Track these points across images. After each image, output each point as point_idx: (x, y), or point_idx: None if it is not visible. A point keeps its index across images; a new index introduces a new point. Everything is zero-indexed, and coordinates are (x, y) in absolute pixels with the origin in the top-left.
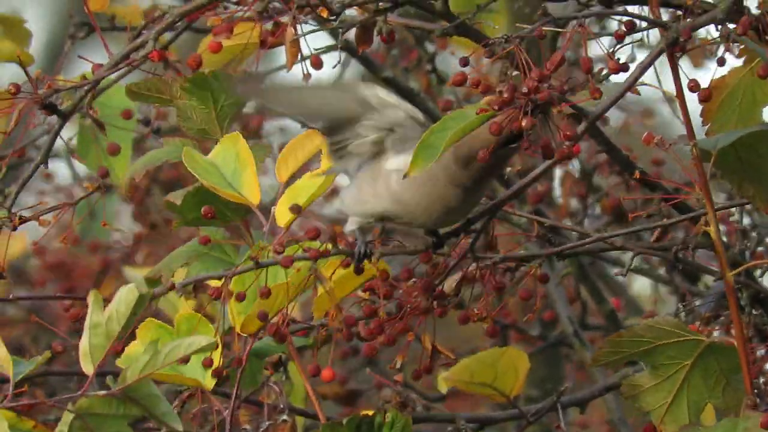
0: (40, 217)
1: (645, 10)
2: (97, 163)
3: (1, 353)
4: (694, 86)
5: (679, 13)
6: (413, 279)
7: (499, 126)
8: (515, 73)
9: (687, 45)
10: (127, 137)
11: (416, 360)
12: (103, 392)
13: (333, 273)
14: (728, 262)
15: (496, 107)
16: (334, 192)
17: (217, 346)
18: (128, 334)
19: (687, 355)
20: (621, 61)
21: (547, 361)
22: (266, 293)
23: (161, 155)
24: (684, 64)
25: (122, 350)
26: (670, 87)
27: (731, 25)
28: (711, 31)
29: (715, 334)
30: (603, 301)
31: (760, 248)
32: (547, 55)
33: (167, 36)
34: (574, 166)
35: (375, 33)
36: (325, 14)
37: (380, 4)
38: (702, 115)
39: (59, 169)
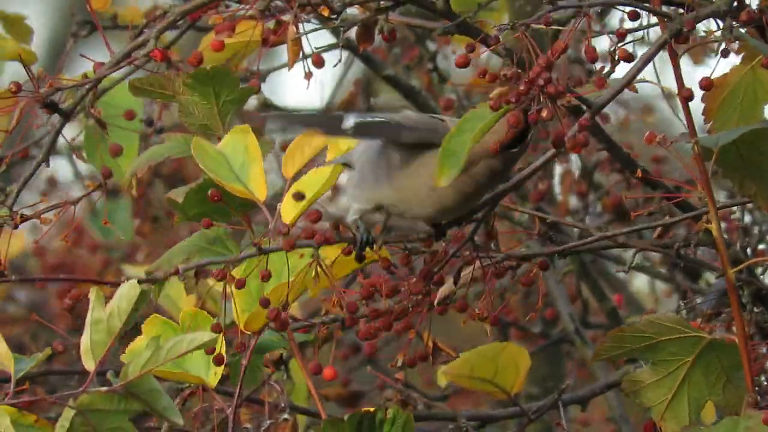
0: (42, 216)
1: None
2: (102, 162)
3: (2, 350)
4: (708, 84)
5: (681, 11)
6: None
7: (516, 118)
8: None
9: (690, 36)
10: (131, 137)
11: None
12: (104, 388)
13: (335, 260)
14: (730, 260)
15: (512, 99)
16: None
17: (221, 330)
18: (129, 331)
19: (688, 352)
20: (619, 63)
21: (548, 358)
22: (267, 276)
23: (163, 151)
24: (684, 61)
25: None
26: (670, 85)
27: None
28: (711, 28)
29: (717, 331)
30: (604, 299)
31: (761, 245)
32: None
33: (169, 35)
34: (575, 163)
35: (376, 31)
36: (326, 13)
37: (381, 2)
38: (704, 113)
39: (61, 167)
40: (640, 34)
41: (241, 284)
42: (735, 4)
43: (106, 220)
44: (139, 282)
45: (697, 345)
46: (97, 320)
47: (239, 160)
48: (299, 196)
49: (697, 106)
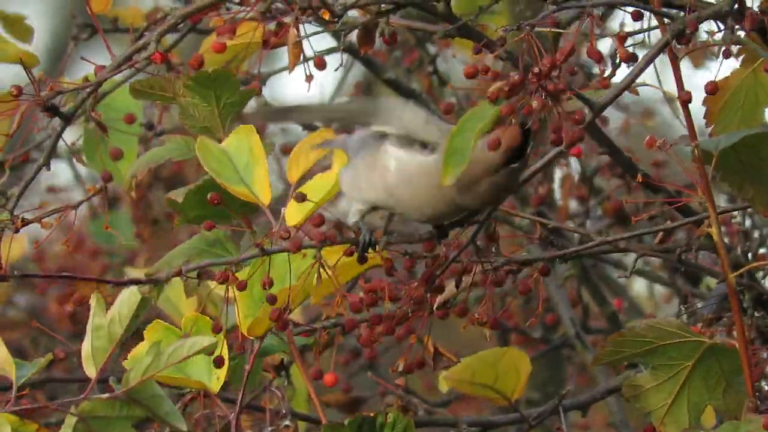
0: (43, 220)
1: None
2: (102, 164)
3: (3, 356)
4: (713, 88)
5: (682, 14)
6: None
7: (497, 141)
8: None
9: (692, 37)
10: (131, 141)
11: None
12: (106, 395)
13: (337, 261)
14: (731, 264)
15: (506, 89)
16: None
17: (220, 330)
18: (131, 336)
19: (688, 356)
20: (620, 66)
21: (548, 363)
22: (269, 284)
23: (164, 153)
24: (684, 65)
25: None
26: (670, 89)
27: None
28: (712, 30)
29: (718, 335)
30: (605, 304)
31: (762, 250)
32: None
33: (170, 38)
34: (574, 168)
35: (377, 34)
36: (327, 16)
37: (382, 6)
38: (705, 116)
39: (61, 170)
40: (640, 37)
41: (242, 286)
42: (736, 6)
43: (107, 225)
44: (141, 283)
45: (697, 349)
46: (98, 326)
47: (243, 160)
48: (301, 197)
49: (698, 109)
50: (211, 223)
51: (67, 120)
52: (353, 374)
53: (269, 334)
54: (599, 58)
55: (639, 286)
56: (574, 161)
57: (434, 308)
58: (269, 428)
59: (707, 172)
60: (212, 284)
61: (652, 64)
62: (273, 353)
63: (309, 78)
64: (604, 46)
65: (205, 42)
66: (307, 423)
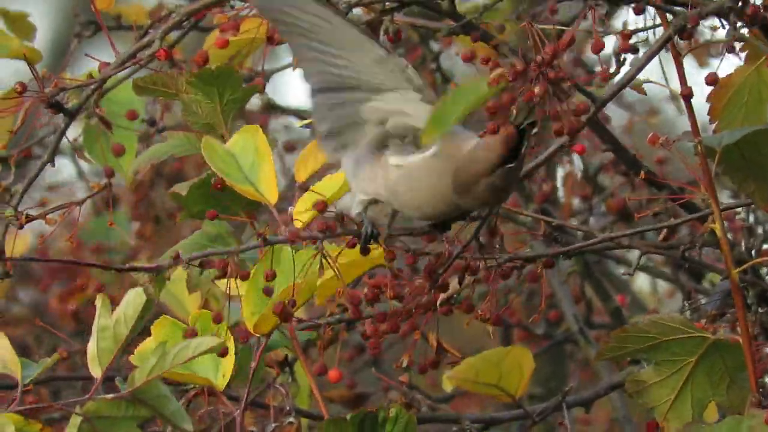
0: (47, 216)
1: (650, 10)
2: (103, 157)
3: (8, 356)
4: (713, 80)
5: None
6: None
7: (512, 96)
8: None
9: (694, 32)
10: (130, 137)
11: (423, 360)
12: (111, 395)
13: (338, 254)
14: (735, 260)
15: (510, 78)
16: None
17: (221, 321)
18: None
19: (692, 352)
20: (625, 64)
21: (551, 359)
22: (271, 276)
23: (166, 149)
24: (689, 63)
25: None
26: (675, 86)
27: (738, 23)
28: (716, 31)
29: (721, 331)
30: (608, 299)
31: (766, 246)
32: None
33: (173, 35)
34: (577, 165)
35: (381, 32)
36: None
37: (386, 4)
38: (709, 113)
39: (64, 167)
40: (644, 35)
41: (245, 276)
42: (739, 3)
43: (111, 221)
44: (144, 270)
45: (700, 345)
46: (104, 327)
47: (249, 160)
48: (303, 187)
49: (703, 106)
50: (215, 212)
51: (72, 117)
52: (357, 370)
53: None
54: (601, 49)
55: (642, 281)
56: (576, 159)
57: (438, 305)
58: (273, 425)
59: (710, 168)
60: (213, 273)
61: (657, 63)
62: (275, 348)
63: None
64: (608, 45)
65: (209, 38)
66: (310, 419)
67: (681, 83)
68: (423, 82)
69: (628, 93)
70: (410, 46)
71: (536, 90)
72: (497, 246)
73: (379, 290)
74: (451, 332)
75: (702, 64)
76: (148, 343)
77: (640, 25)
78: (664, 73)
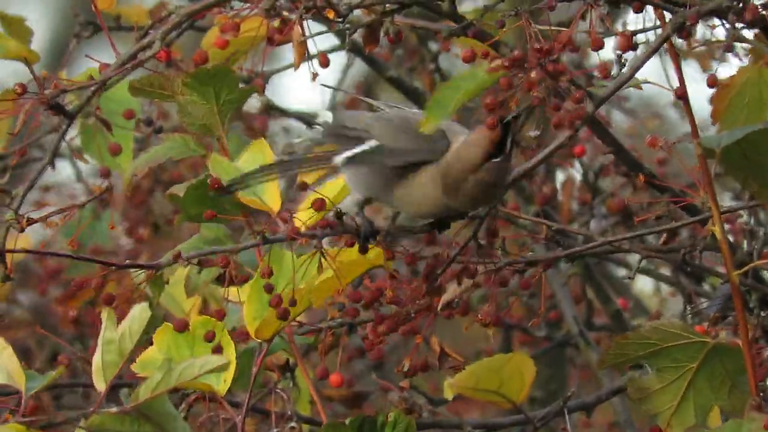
0: (48, 219)
1: (650, 14)
2: (100, 156)
3: (13, 367)
4: (713, 82)
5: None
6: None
7: (509, 81)
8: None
9: (692, 31)
10: (126, 137)
11: (417, 360)
12: (115, 409)
13: (337, 253)
14: (736, 263)
15: (506, 64)
16: None
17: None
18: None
19: (693, 358)
20: (625, 66)
21: (551, 361)
22: (268, 273)
23: (163, 152)
24: (693, 67)
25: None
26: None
27: (738, 24)
28: (716, 32)
29: (723, 334)
30: (609, 302)
31: (767, 249)
32: None
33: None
34: (577, 167)
35: (382, 34)
36: (331, 15)
37: (387, 5)
38: (711, 115)
39: (63, 168)
40: (643, 37)
41: (244, 279)
42: (739, 4)
43: (112, 224)
44: (143, 267)
45: (701, 350)
46: (109, 341)
47: None
48: (303, 186)
49: (706, 109)
50: (213, 213)
51: (72, 118)
52: (359, 373)
53: None
54: (600, 47)
55: (643, 283)
56: (576, 164)
57: (438, 309)
58: (274, 430)
59: (710, 169)
60: (212, 274)
61: (660, 67)
62: (275, 352)
63: (314, 76)
64: (610, 47)
65: (207, 37)
66: (311, 425)
67: (679, 83)
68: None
69: (632, 96)
70: (409, 46)
71: (533, 75)
72: (499, 249)
73: (380, 293)
74: (451, 334)
75: (705, 68)
76: (150, 352)
77: (641, 27)
78: (667, 76)
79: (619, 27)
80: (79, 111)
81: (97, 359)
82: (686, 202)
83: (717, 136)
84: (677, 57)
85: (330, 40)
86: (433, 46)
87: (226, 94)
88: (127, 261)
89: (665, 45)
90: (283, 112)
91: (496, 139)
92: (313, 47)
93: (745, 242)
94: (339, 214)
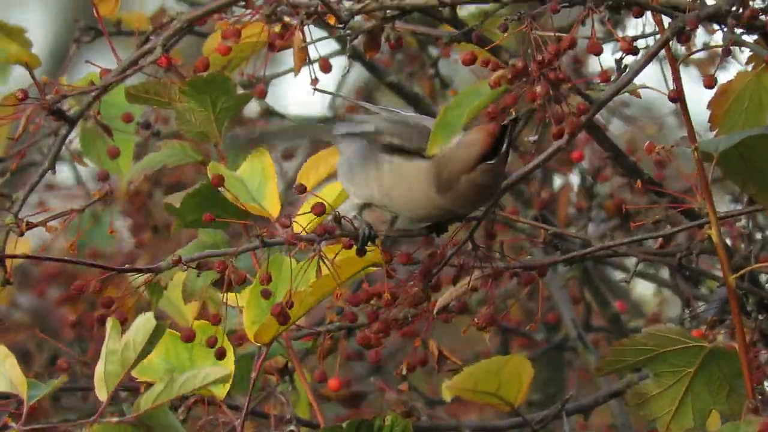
0: (47, 224)
1: (650, 20)
2: (100, 160)
3: (15, 375)
4: (710, 83)
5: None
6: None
7: (514, 98)
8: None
9: (692, 35)
10: (127, 140)
11: (424, 369)
12: (116, 419)
13: (336, 255)
14: (734, 267)
15: (509, 76)
16: None
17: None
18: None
19: (690, 362)
20: (625, 69)
21: (549, 364)
22: (267, 279)
23: (160, 159)
24: (693, 74)
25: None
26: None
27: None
28: (716, 37)
29: (721, 338)
30: (607, 306)
31: (765, 253)
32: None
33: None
34: (575, 172)
35: (383, 39)
36: (332, 21)
37: (388, 11)
38: (710, 120)
39: (62, 171)
40: (643, 42)
41: (242, 277)
42: (738, 9)
43: (112, 228)
44: (143, 271)
45: (698, 355)
46: (113, 351)
47: (256, 181)
48: (301, 189)
49: (703, 112)
50: (211, 216)
51: (72, 123)
52: (358, 377)
53: None
54: (599, 51)
55: (642, 285)
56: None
57: (435, 313)
58: None
59: (707, 173)
60: (210, 277)
61: (660, 73)
62: (272, 356)
63: (314, 81)
64: (610, 53)
65: (208, 43)
66: (309, 428)
67: (676, 87)
68: None
69: (633, 105)
70: (409, 52)
71: (538, 89)
72: (497, 252)
73: (374, 294)
74: (449, 333)
75: (705, 75)
76: (150, 357)
77: (640, 33)
78: (666, 85)
79: (618, 32)
80: (80, 116)
81: (99, 369)
82: (685, 207)
83: (715, 140)
84: (675, 61)
85: (330, 46)
86: (434, 51)
87: (223, 102)
88: (126, 265)
89: (664, 51)
90: (283, 118)
91: (492, 142)
92: (314, 52)
93: (743, 246)
94: (338, 218)
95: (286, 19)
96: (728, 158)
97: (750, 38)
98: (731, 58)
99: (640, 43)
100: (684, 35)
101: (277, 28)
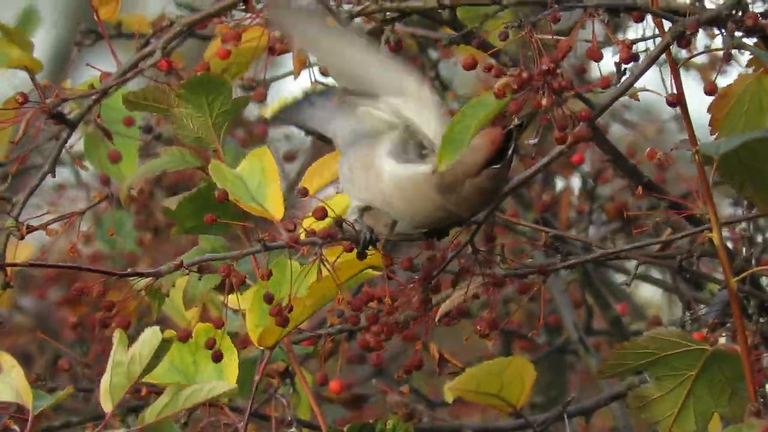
0: (48, 227)
1: (650, 23)
2: (101, 165)
3: (22, 386)
4: (711, 89)
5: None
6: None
7: (519, 105)
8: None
9: (692, 40)
10: (131, 144)
11: (425, 371)
12: (121, 431)
13: (336, 258)
14: (735, 270)
15: (515, 86)
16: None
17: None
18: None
19: (691, 365)
20: (625, 74)
21: (551, 367)
22: (268, 275)
23: (159, 164)
24: (695, 78)
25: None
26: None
27: (738, 33)
28: (716, 42)
29: (722, 341)
30: (608, 308)
31: (766, 256)
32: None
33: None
34: (576, 175)
35: (383, 42)
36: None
37: (387, 14)
38: (710, 123)
39: (63, 174)
40: (643, 46)
41: (242, 278)
42: (738, 13)
43: (112, 230)
44: (144, 276)
45: (699, 358)
46: (119, 363)
47: (256, 181)
48: (304, 192)
49: (704, 116)
50: (213, 217)
51: (73, 127)
52: (360, 380)
53: None
54: (599, 58)
55: (643, 288)
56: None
57: (437, 320)
58: None
59: (708, 177)
60: (212, 281)
61: (660, 78)
62: (275, 360)
63: (314, 84)
64: (609, 56)
65: (210, 48)
66: (310, 430)
67: (677, 91)
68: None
69: (633, 110)
70: (410, 55)
71: (544, 102)
72: (498, 255)
73: (373, 296)
74: (450, 336)
75: (706, 79)
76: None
77: (640, 37)
78: (666, 89)
79: (619, 36)
80: (80, 120)
81: (105, 381)
82: (686, 213)
83: (715, 143)
84: (675, 65)
85: None
86: (433, 54)
87: (220, 106)
88: (129, 269)
89: (664, 55)
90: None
91: (497, 146)
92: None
93: (744, 249)
94: (339, 222)
95: None
96: (728, 161)
97: (750, 41)
98: (732, 61)
99: (641, 46)
100: (684, 39)
101: (277, 32)
